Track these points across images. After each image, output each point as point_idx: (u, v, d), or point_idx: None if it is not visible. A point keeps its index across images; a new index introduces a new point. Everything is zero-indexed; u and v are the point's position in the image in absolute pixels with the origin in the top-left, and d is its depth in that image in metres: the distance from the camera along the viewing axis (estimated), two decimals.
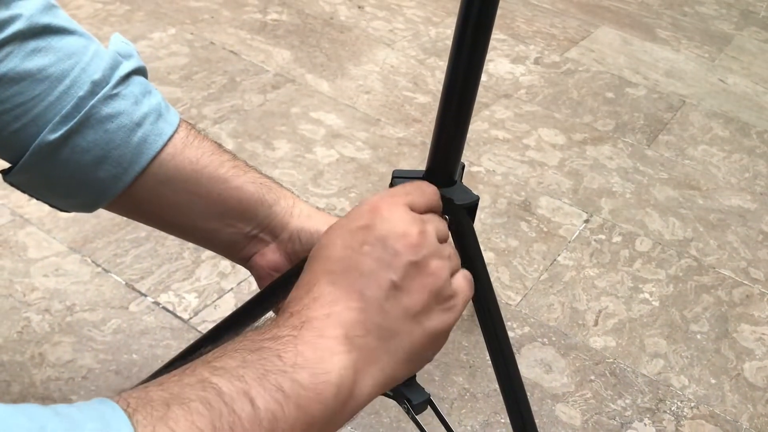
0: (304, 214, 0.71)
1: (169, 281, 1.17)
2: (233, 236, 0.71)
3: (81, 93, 0.61)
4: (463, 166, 0.61)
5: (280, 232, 0.71)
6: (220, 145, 0.71)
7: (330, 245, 0.50)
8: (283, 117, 1.63)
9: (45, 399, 0.97)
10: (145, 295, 1.14)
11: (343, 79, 1.81)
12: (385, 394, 0.68)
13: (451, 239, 0.57)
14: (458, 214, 0.58)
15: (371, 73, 1.86)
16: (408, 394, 0.66)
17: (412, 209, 0.51)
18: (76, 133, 0.62)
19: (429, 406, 0.68)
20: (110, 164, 0.64)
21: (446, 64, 0.54)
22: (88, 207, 0.68)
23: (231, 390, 0.41)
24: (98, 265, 1.18)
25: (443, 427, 0.71)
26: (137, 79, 0.67)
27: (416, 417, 0.67)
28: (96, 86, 0.62)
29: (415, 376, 0.69)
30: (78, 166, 0.63)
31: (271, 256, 0.71)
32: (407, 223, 0.49)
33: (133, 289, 1.15)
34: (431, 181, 0.59)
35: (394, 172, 0.60)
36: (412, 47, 2.02)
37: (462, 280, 0.52)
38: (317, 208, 0.73)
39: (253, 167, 0.72)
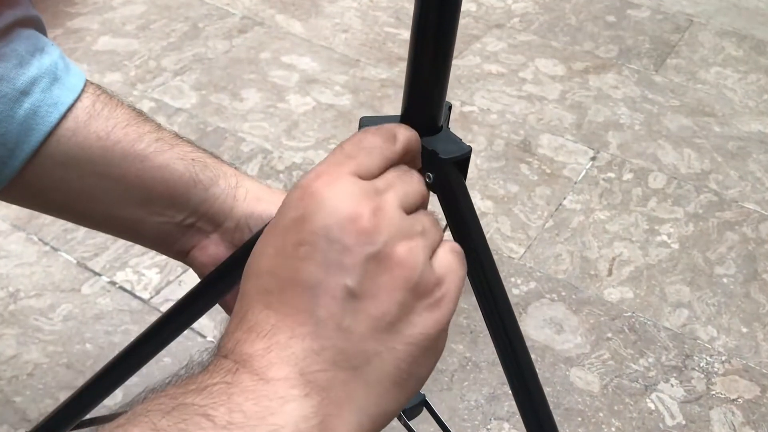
0: (252, 195, 0.58)
1: (127, 257, 1.04)
2: (162, 227, 0.57)
3: None
4: (450, 107, 0.47)
5: (223, 219, 0.57)
6: (140, 113, 0.58)
7: (260, 254, 0.36)
8: (252, 64, 1.47)
9: None
10: (100, 275, 1.01)
11: (317, 17, 1.65)
12: None
13: (429, 202, 0.43)
14: (446, 171, 0.44)
15: (348, 9, 1.69)
16: None
17: (361, 176, 0.36)
18: None
19: (425, 408, 0.56)
20: None
21: None
22: None
23: None
24: (46, 243, 1.05)
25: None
26: (24, 33, 0.52)
27: (409, 423, 0.54)
28: None
29: None
30: None
31: (213, 249, 0.58)
32: (354, 200, 0.35)
33: (86, 268, 1.02)
34: None
35: (362, 119, 0.46)
36: None
37: (448, 258, 0.37)
38: (268, 185, 0.59)
39: (185, 139, 0.58)
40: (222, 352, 0.34)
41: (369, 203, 0.34)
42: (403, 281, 0.34)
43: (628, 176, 1.30)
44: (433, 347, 0.36)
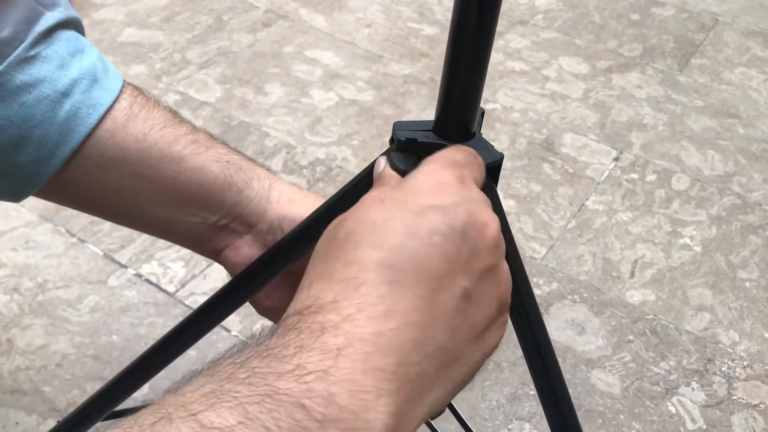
0: (285, 198, 0.58)
1: (153, 249, 1.05)
2: (196, 227, 0.58)
3: None
4: (483, 113, 0.47)
5: (256, 221, 0.58)
6: (175, 114, 0.58)
7: (385, 226, 0.34)
8: (276, 58, 1.48)
9: (14, 392, 0.86)
10: (126, 267, 1.02)
11: (340, 12, 1.65)
12: None
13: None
14: None
15: (371, 4, 1.69)
16: None
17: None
18: None
19: (447, 408, 0.56)
20: (32, 146, 0.51)
21: None
22: (12, 196, 0.55)
23: None
24: (73, 235, 1.06)
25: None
26: (65, 35, 0.53)
27: (431, 422, 0.54)
28: (5, 46, 0.49)
29: None
30: None
31: (246, 250, 0.59)
32: (487, 209, 0.35)
33: (112, 260, 1.03)
34: (441, 135, 0.45)
35: (395, 124, 0.47)
36: None
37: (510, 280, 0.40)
38: (300, 187, 0.59)
39: (220, 141, 0.59)
40: (320, 317, 0.32)
41: (494, 215, 0.36)
42: (503, 296, 0.36)
43: (651, 177, 1.30)
44: (484, 361, 0.37)
